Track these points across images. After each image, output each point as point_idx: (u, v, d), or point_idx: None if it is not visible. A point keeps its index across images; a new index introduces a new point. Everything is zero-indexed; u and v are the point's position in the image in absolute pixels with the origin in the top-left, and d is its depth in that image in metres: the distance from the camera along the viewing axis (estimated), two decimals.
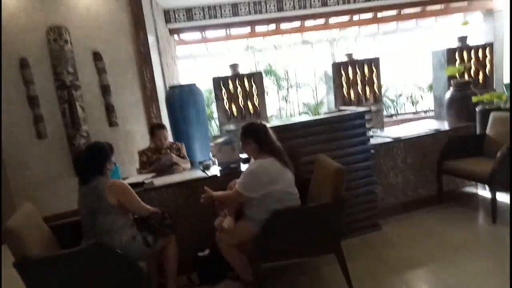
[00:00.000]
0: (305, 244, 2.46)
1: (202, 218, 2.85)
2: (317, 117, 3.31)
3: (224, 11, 6.51)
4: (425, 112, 9.33)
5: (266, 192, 2.41)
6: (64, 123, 4.32)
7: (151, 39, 4.84)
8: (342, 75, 7.00)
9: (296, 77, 10.22)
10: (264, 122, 2.69)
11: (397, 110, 9.84)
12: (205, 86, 9.77)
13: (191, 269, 2.80)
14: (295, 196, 2.53)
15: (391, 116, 9.28)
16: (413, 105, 9.70)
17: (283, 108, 10.04)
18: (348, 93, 7.03)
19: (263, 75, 7.38)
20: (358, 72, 7.04)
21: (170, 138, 4.34)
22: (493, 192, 3.22)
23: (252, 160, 2.60)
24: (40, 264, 2.06)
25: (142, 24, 4.59)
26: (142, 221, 2.47)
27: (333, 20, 7.85)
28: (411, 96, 9.83)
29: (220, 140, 3.22)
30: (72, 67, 4.30)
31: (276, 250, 2.42)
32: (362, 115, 3.26)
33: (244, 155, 3.14)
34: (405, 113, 9.57)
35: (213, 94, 6.86)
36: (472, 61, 6.90)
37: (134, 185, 2.76)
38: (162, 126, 3.58)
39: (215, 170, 3.13)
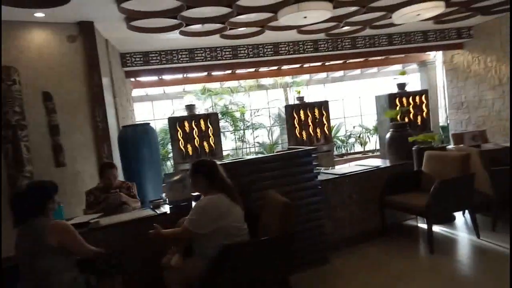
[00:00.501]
0: (254, 280, 2.48)
1: (150, 257, 2.79)
2: (266, 155, 3.46)
3: (181, 56, 6.72)
4: (372, 152, 9.90)
5: (214, 228, 2.44)
6: (7, 163, 4.13)
7: (105, 80, 4.87)
8: (294, 117, 7.36)
9: (252, 119, 10.55)
10: (214, 160, 2.77)
11: (347, 150, 10.36)
12: (161, 127, 9.80)
13: None
14: (244, 231, 2.58)
15: (341, 155, 9.74)
16: (361, 145, 10.28)
17: (239, 147, 10.23)
18: (301, 134, 7.36)
19: (220, 116, 7.57)
20: (310, 114, 7.44)
21: (120, 177, 4.27)
22: (429, 224, 3.47)
23: (202, 196, 2.64)
24: None
25: (96, 66, 4.64)
26: (87, 262, 2.38)
27: (285, 67, 8.35)
28: (359, 137, 10.44)
29: (171, 179, 3.24)
30: (19, 107, 4.19)
31: (225, 286, 2.42)
32: (309, 153, 3.45)
33: (195, 193, 3.17)
34: (355, 153, 10.09)
35: (169, 135, 6.90)
36: (411, 105, 7.57)
37: (78, 225, 2.68)
38: (111, 165, 3.54)
39: (165, 208, 3.12)
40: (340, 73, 10.75)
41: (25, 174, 4.12)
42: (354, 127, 10.79)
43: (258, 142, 10.56)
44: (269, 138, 10.64)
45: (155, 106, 10.39)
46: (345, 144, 10.43)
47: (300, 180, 3.37)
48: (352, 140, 10.54)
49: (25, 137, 4.22)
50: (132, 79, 7.72)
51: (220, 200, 2.51)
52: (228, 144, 10.25)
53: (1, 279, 1.67)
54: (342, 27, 5.97)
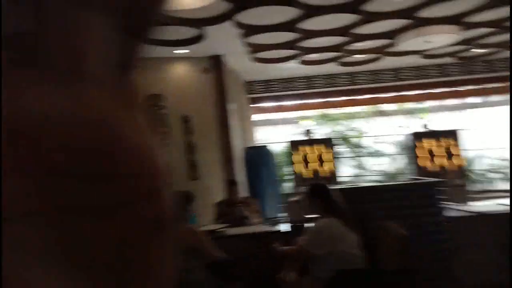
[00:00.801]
0: None
1: (267, 270, 2.95)
2: (385, 183, 3.34)
3: (299, 83, 7.02)
4: None
5: (329, 251, 2.46)
6: None
7: (232, 106, 5.42)
8: (420, 145, 6.86)
9: (372, 146, 10.16)
10: (331, 185, 2.83)
11: (485, 185, 9.07)
12: (281, 149, 10.19)
13: None
14: (359, 259, 2.53)
15: (479, 192, 8.56)
16: (503, 181, 8.87)
17: (358, 174, 9.92)
18: (428, 164, 6.80)
19: (338, 141, 7.56)
20: (438, 144, 6.84)
21: (244, 194, 4.62)
22: None
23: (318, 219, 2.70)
24: None
25: (224, 94, 5.22)
26: (213, 266, 2.65)
27: (408, 92, 7.91)
28: (501, 172, 9.05)
29: (289, 199, 3.39)
30: (165, 128, 4.98)
31: None
32: (433, 186, 3.21)
33: (313, 215, 3.25)
34: (496, 190, 8.76)
35: (288, 157, 7.19)
36: None
37: (207, 233, 3.01)
38: (234, 182, 3.88)
39: (283, 226, 3.27)
40: (475, 99, 9.61)
41: None
42: (494, 160, 9.41)
43: (378, 170, 10.08)
44: (391, 167, 10.06)
45: (275, 130, 10.92)
46: (483, 179, 9.16)
47: (421, 214, 3.15)
48: (492, 175, 9.19)
49: (168, 153, 4.95)
50: (255, 105, 8.35)
51: (334, 224, 2.52)
52: (346, 170, 10.05)
53: None
54: (474, 49, 5.44)
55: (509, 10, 3.76)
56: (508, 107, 6.02)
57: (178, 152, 5.04)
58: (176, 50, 4.77)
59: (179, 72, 5.17)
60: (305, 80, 7.01)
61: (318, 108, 9.30)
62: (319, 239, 2.49)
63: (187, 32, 4.07)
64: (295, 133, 10.20)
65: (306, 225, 3.21)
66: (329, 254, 2.46)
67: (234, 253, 2.96)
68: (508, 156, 9.13)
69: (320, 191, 2.70)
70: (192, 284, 2.49)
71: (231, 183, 3.89)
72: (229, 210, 3.69)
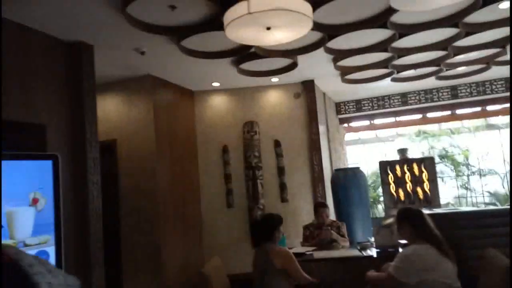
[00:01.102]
0: None
1: None
2: (485, 208, 3.08)
3: (393, 101, 6.81)
4: None
5: (420, 280, 2.38)
6: (247, 196, 5.25)
7: (321, 128, 5.53)
8: None
9: (479, 164, 9.17)
10: (423, 209, 2.74)
11: None
12: (373, 169, 9.86)
13: None
14: None
15: None
16: None
17: (463, 195, 9.01)
18: None
19: (438, 160, 7.04)
20: None
21: (332, 216, 4.65)
22: None
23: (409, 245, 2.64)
24: None
25: (314, 117, 5.36)
26: (302, 287, 2.79)
27: None
28: None
29: (380, 223, 3.35)
30: (258, 152, 5.32)
31: None
32: None
33: (403, 241, 3.15)
34: None
35: (380, 178, 6.95)
36: None
37: (296, 255, 3.16)
38: (324, 205, 3.95)
39: (372, 252, 3.23)
40: None
41: (259, 206, 5.11)
42: None
43: (488, 191, 9.03)
44: (503, 187, 8.92)
45: (366, 149, 10.61)
46: None
47: None
48: None
49: (260, 176, 5.26)
50: (345, 125, 8.30)
51: (427, 251, 2.44)
52: (449, 191, 9.22)
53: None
54: None
55: None
56: None
57: (270, 175, 5.32)
58: (273, 78, 5.09)
59: (272, 98, 5.52)
60: (399, 97, 6.79)
61: (415, 125, 8.81)
62: (409, 267, 2.43)
63: (280, 61, 4.34)
64: (389, 152, 9.77)
65: (396, 250, 3.13)
66: (420, 283, 2.39)
67: (322, 276, 3.04)
68: None
69: (410, 215, 2.64)
70: None
71: (320, 205, 3.98)
72: (317, 233, 3.78)
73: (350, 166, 7.00)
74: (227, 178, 5.38)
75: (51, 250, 2.64)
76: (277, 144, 5.37)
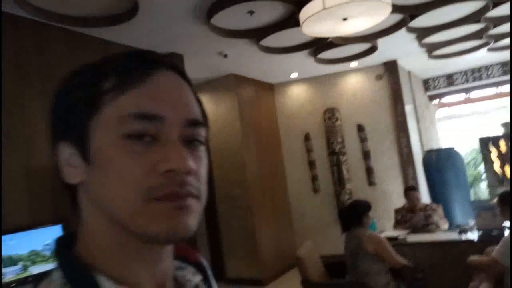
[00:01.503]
0: None
1: (454, 281, 2.87)
2: None
3: (492, 71, 6.17)
4: None
5: None
6: (333, 181, 5.30)
7: (408, 108, 5.29)
8: None
9: None
10: None
11: None
12: (471, 146, 9.03)
13: None
14: None
15: None
16: None
17: None
18: None
19: None
20: None
21: (426, 199, 4.48)
22: None
23: None
24: (316, 286, 2.77)
25: (399, 97, 5.15)
26: (397, 271, 2.81)
27: None
28: None
29: (481, 205, 3.18)
30: (341, 138, 5.31)
31: None
32: None
33: (506, 223, 2.95)
34: None
35: (480, 155, 6.38)
36: None
37: (389, 239, 3.16)
38: (413, 188, 3.84)
39: (472, 235, 3.09)
40: None
41: (346, 191, 5.14)
42: None
43: None
44: None
45: (463, 124, 9.73)
46: None
47: None
48: None
49: (345, 161, 5.27)
50: (436, 101, 7.73)
51: None
52: None
53: None
54: None
55: None
56: None
57: (355, 160, 5.29)
58: (352, 63, 5.02)
59: (352, 83, 5.45)
60: (500, 66, 6.14)
61: None
62: None
63: (359, 46, 4.27)
64: (490, 127, 8.82)
65: (501, 233, 2.94)
66: None
67: (418, 260, 3.01)
68: None
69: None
70: (380, 286, 2.71)
71: (410, 189, 3.88)
72: (409, 216, 3.70)
73: (444, 145, 6.57)
74: (311, 164, 5.49)
75: None
76: (360, 128, 5.30)
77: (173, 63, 0.44)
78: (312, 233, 5.34)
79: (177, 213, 0.40)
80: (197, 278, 0.51)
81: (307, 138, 5.55)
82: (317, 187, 5.45)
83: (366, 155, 5.23)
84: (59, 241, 0.45)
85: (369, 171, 5.19)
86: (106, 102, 0.41)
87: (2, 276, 2.33)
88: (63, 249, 0.44)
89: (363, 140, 5.28)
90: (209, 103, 5.12)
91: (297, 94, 5.69)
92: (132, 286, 0.42)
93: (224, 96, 5.00)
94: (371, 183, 5.16)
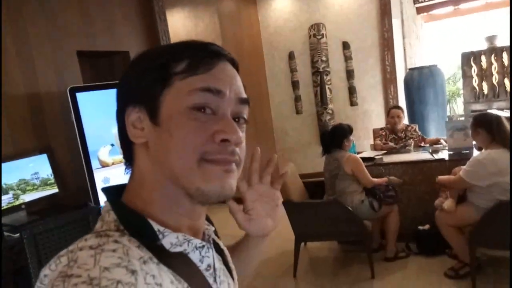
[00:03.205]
0: None
1: (423, 196, 3.13)
2: None
3: None
4: None
5: (492, 182, 2.45)
6: (315, 102, 5.35)
7: (395, 23, 5.11)
8: None
9: None
10: (498, 112, 2.64)
11: None
12: (454, 62, 9.02)
13: (410, 239, 3.17)
14: None
15: None
16: None
17: None
18: None
19: None
20: None
21: (406, 118, 4.60)
22: None
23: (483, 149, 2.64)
24: (296, 206, 2.99)
25: (388, 11, 4.94)
26: (370, 189, 3.02)
27: None
28: None
29: (453, 125, 3.30)
30: (325, 56, 5.20)
31: (495, 239, 2.46)
32: None
33: (477, 145, 3.12)
34: None
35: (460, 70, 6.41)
36: None
37: (366, 159, 3.34)
38: (398, 108, 3.90)
39: (443, 154, 3.27)
40: None
41: (328, 111, 5.22)
42: None
43: None
44: None
45: (449, 39, 9.56)
46: None
47: None
48: None
49: (328, 81, 5.24)
50: (424, 14, 7.45)
51: (500, 155, 2.45)
52: None
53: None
54: None
55: None
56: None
57: (338, 79, 5.26)
58: None
59: None
60: None
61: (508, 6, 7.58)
62: (481, 171, 2.49)
63: None
64: (475, 41, 8.69)
65: (470, 153, 3.13)
66: (491, 186, 2.46)
67: (391, 179, 3.23)
68: None
69: (486, 122, 2.58)
70: (355, 203, 2.94)
71: (393, 109, 3.93)
72: (390, 137, 3.84)
73: (428, 62, 6.54)
74: (294, 85, 5.45)
75: None
76: (345, 46, 5.17)
77: (231, 57, 0.55)
78: (294, 153, 5.55)
79: (225, 175, 0.50)
80: (212, 228, 0.61)
81: (291, 56, 5.41)
82: (299, 108, 5.50)
83: (349, 74, 5.20)
84: (109, 190, 0.54)
85: (351, 91, 5.21)
86: (177, 79, 0.50)
87: None
88: (115, 196, 0.53)
89: (347, 58, 5.19)
90: (187, 20, 4.82)
91: (282, 8, 5.38)
92: (174, 229, 0.50)
93: (203, 12, 4.70)
94: (352, 103, 5.22)
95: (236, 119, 0.53)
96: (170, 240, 0.49)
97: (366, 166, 3.01)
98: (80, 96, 2.79)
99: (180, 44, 0.54)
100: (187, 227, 0.53)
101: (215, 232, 0.64)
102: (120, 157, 2.99)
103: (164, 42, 3.60)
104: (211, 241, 0.59)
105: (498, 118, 2.55)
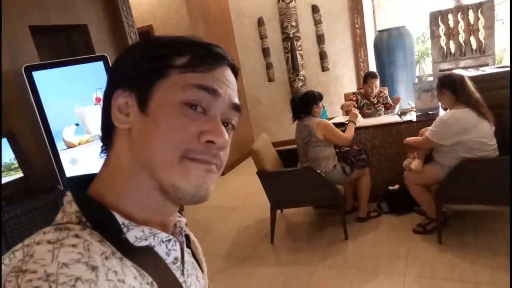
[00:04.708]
0: (492, 192, 2.50)
1: (393, 158, 3.23)
2: None
3: None
4: None
5: (456, 141, 2.54)
6: (287, 69, 5.30)
7: None
8: None
9: None
10: (463, 72, 2.70)
11: None
12: (425, 22, 9.04)
13: (381, 199, 3.29)
14: (490, 147, 2.54)
15: None
16: None
17: None
18: None
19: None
20: None
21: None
22: None
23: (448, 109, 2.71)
24: (271, 175, 3.02)
25: None
26: (342, 154, 3.08)
27: None
28: None
29: (420, 87, 3.36)
30: (295, 21, 5.10)
31: (459, 194, 2.59)
32: None
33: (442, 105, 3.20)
34: None
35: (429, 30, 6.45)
36: None
37: (338, 124, 3.37)
38: (375, 75, 3.87)
39: (412, 116, 3.35)
40: None
41: (300, 78, 5.19)
42: None
43: None
44: None
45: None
46: None
47: None
48: None
49: (299, 47, 5.18)
50: None
51: (465, 115, 2.52)
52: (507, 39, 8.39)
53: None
54: None
55: None
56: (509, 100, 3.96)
57: (309, 44, 5.20)
58: None
59: None
60: None
61: None
62: (446, 131, 2.56)
63: None
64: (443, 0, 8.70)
65: (437, 113, 3.22)
66: (456, 145, 2.55)
67: (363, 143, 3.29)
68: None
69: (451, 83, 2.63)
70: (328, 169, 3.00)
71: (370, 76, 3.86)
72: (363, 103, 3.86)
73: (397, 24, 6.54)
74: (265, 52, 5.36)
75: None
76: (315, 9, 5.07)
77: (232, 63, 0.54)
78: (267, 121, 5.55)
79: (204, 175, 0.49)
80: (183, 220, 0.61)
81: (260, 23, 5.28)
82: (271, 76, 5.44)
83: (320, 38, 5.14)
84: (73, 180, 0.52)
85: (322, 56, 5.18)
86: (174, 73, 0.49)
87: None
88: (78, 187, 0.51)
89: (317, 22, 5.11)
90: None
91: None
92: (141, 224, 0.49)
93: None
94: (324, 68, 5.20)
95: (225, 124, 0.52)
96: (134, 234, 0.48)
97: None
98: (37, 74, 2.64)
99: (183, 38, 0.53)
100: (157, 222, 0.52)
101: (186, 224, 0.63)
102: (87, 136, 2.90)
103: (124, 13, 3.42)
104: (183, 233, 0.58)
105: (462, 78, 2.60)
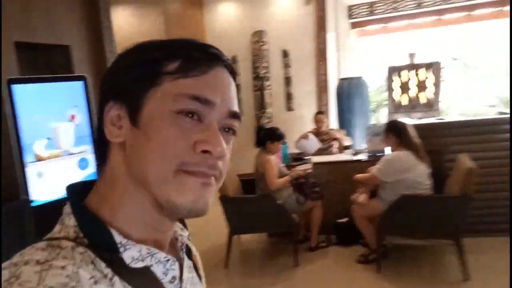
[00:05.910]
0: (426, 226, 2.84)
1: (344, 193, 3.53)
2: (462, 118, 3.42)
3: (407, 3, 6.61)
4: None
5: (398, 179, 2.89)
6: (255, 106, 5.65)
7: (330, 36, 5.59)
8: None
9: (495, 67, 9.09)
10: (406, 120, 3.11)
11: None
12: (381, 76, 9.87)
13: (331, 231, 3.55)
14: (426, 186, 2.91)
15: None
16: None
17: (472, 98, 9.16)
18: None
19: (451, 62, 7.02)
20: None
21: (334, 125, 5.06)
22: None
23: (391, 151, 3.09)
24: (232, 201, 3.22)
25: (323, 25, 5.39)
26: (298, 185, 3.35)
27: None
28: None
29: (371, 131, 3.76)
30: (266, 62, 5.53)
31: (398, 227, 2.90)
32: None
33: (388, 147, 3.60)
34: None
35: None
36: None
37: (297, 160, 3.68)
38: (321, 113, 4.37)
39: (362, 156, 3.72)
40: None
41: (267, 115, 5.54)
42: None
43: (493, 95, 9.12)
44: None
45: (379, 53, 10.46)
46: None
47: (497, 148, 3.24)
48: None
49: (268, 86, 5.57)
50: (358, 29, 8.14)
51: (406, 156, 2.90)
52: (453, 96, 9.34)
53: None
54: None
55: None
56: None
57: (277, 85, 5.61)
58: None
59: (282, 6, 5.48)
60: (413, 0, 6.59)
61: (430, 27, 8.56)
62: (390, 169, 2.92)
63: None
64: (400, 57, 9.63)
65: (384, 155, 3.60)
66: (398, 182, 2.90)
67: (318, 176, 3.60)
68: None
69: (395, 127, 3.03)
70: (284, 197, 3.24)
71: (317, 114, 4.37)
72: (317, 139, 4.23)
73: (359, 74, 7.17)
74: (236, 88, 5.71)
75: (90, 158, 3.21)
76: (285, 54, 5.53)
77: (228, 62, 0.51)
78: (232, 153, 5.77)
79: (201, 189, 0.46)
80: (186, 233, 0.59)
81: (234, 61, 5.66)
82: (240, 110, 5.74)
83: (287, 81, 5.57)
84: (74, 188, 0.50)
85: (288, 97, 5.59)
86: (166, 80, 0.46)
87: None
88: (78, 198, 0.48)
89: (286, 66, 5.56)
90: (132, 17, 4.86)
91: (228, 12, 5.62)
92: (137, 242, 0.47)
93: (149, 11, 4.77)
94: (289, 108, 5.60)
95: (226, 129, 0.50)
96: (131, 254, 0.46)
97: (296, 164, 3.34)
98: (16, 88, 2.77)
99: (175, 41, 0.50)
100: (153, 239, 0.49)
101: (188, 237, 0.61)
102: (56, 151, 3.00)
103: (107, 38, 3.64)
104: (184, 249, 0.56)
105: (404, 125, 3.02)
